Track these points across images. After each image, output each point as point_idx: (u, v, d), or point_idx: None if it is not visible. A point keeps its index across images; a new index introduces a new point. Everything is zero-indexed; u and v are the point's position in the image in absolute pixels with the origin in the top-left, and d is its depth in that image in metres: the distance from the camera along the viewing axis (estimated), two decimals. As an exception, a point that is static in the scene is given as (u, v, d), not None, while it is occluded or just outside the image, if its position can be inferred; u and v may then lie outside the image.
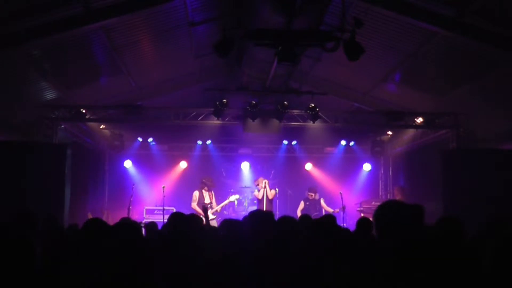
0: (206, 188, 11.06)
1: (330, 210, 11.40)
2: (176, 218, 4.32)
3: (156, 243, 4.44)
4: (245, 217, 4.31)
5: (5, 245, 2.25)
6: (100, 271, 2.58)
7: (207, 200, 11.06)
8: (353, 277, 2.92)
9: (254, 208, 12.38)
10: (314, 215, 10.90)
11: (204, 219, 7.98)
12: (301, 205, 11.56)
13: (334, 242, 3.50)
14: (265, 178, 12.14)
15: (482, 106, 10.12)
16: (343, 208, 10.83)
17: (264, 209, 11.10)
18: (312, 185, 12.23)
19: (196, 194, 11.00)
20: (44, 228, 4.90)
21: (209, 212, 10.78)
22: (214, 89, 11.28)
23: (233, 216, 12.28)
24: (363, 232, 5.25)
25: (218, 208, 11.15)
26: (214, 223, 10.37)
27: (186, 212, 5.28)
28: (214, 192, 11.29)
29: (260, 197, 11.47)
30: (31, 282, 2.22)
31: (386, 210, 2.62)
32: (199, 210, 10.80)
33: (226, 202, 11.49)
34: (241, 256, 3.61)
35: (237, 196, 11.92)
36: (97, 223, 3.42)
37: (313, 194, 11.53)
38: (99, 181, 14.16)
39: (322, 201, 11.60)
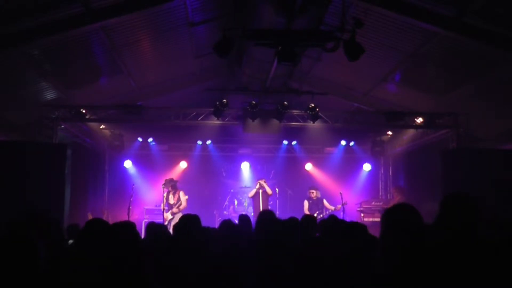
0: (169, 190, 11.17)
1: (331, 208, 11.45)
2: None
3: (156, 243, 4.44)
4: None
5: (9, 245, 2.25)
6: (101, 271, 2.58)
7: (171, 201, 11.17)
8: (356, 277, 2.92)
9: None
10: (317, 213, 11.04)
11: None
12: (306, 204, 11.63)
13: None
14: (265, 178, 12.43)
15: (482, 106, 10.12)
16: (345, 204, 10.97)
17: (260, 205, 11.59)
18: (313, 184, 12.30)
19: (164, 195, 11.13)
20: (46, 230, 4.86)
21: (169, 213, 10.91)
22: (214, 89, 11.27)
23: (233, 216, 12.30)
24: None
25: (175, 209, 11.16)
26: (173, 222, 10.33)
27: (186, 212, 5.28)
28: (186, 192, 11.39)
29: (250, 195, 12.15)
30: (35, 283, 2.23)
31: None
32: (163, 212, 10.88)
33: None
34: (241, 256, 3.61)
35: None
36: (99, 224, 3.40)
37: (314, 192, 11.61)
38: (99, 181, 14.15)
39: (324, 201, 11.68)
